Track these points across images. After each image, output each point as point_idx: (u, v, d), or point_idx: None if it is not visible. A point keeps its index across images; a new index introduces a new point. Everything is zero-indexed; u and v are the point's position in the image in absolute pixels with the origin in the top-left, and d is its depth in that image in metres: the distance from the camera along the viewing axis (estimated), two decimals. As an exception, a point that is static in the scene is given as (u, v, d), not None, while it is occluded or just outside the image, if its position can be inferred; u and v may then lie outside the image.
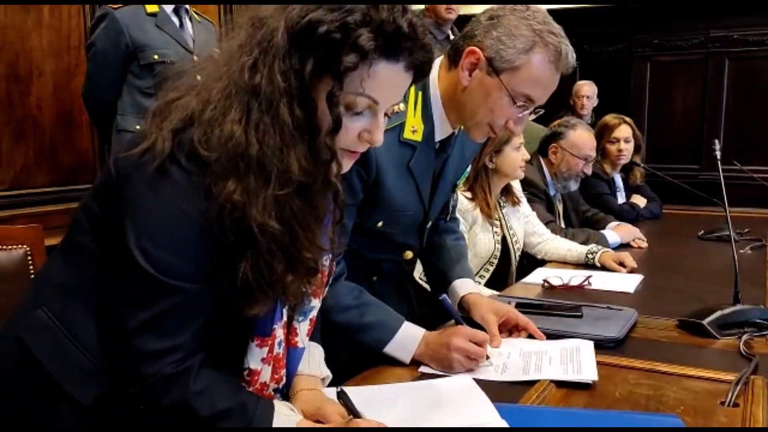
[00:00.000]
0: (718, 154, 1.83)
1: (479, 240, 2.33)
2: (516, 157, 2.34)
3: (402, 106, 1.39)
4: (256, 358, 1.01)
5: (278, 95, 0.87)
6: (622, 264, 2.25)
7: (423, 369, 1.32)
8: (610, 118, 3.43)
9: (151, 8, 2.63)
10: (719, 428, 1.06)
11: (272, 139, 0.87)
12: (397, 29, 0.89)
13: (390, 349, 1.35)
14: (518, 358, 1.36)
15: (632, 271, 2.22)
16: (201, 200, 0.86)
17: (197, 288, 0.90)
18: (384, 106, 0.94)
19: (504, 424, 1.04)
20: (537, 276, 2.14)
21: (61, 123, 3.15)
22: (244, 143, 0.86)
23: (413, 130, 1.41)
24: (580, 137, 2.85)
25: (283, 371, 1.08)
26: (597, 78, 5.42)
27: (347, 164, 0.98)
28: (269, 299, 0.93)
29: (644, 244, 2.71)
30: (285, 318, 1.05)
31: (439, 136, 1.47)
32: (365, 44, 0.86)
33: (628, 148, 3.36)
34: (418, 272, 2.17)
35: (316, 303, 1.11)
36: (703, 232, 2.85)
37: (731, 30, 5.70)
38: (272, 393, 1.06)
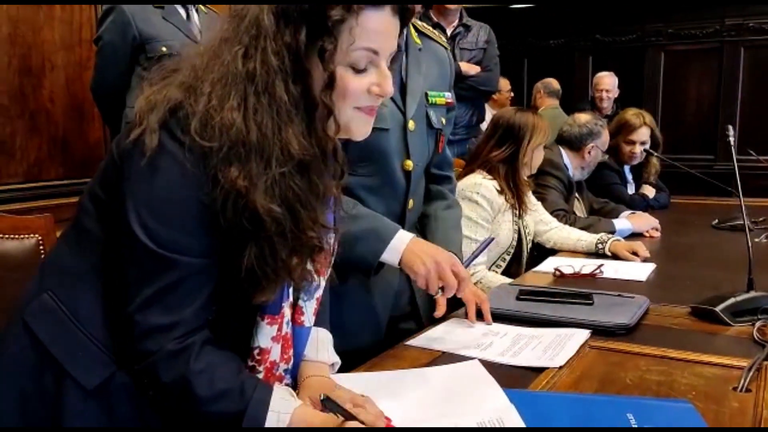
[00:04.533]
0: (731, 140, 1.80)
1: (502, 229, 2.33)
2: (542, 155, 2.43)
3: None
4: (266, 337, 1.01)
5: (273, 74, 0.89)
6: (635, 254, 2.23)
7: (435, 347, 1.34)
8: (631, 116, 3.30)
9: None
10: (726, 428, 1.05)
11: (270, 120, 0.89)
12: None
13: (384, 257, 1.40)
14: (508, 341, 1.38)
15: (645, 260, 2.20)
16: (202, 184, 0.87)
17: (199, 262, 0.91)
18: (384, 54, 0.96)
19: (513, 409, 1.03)
20: (548, 265, 2.13)
21: (73, 116, 3.17)
22: (244, 130, 0.88)
23: None
24: (607, 136, 2.99)
25: (291, 351, 1.08)
26: (610, 68, 5.38)
27: (365, 125, 1.01)
28: (276, 285, 0.94)
29: (657, 234, 2.69)
30: (291, 297, 1.05)
31: None
32: None
33: (641, 152, 3.31)
34: None
35: (321, 281, 1.10)
36: (717, 221, 2.82)
37: (747, 18, 5.64)
38: (282, 374, 1.06)
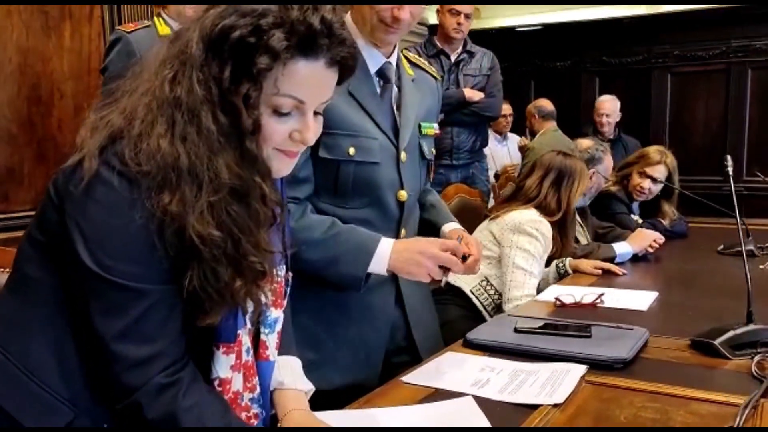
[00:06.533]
0: (730, 170, 1.80)
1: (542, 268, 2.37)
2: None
3: None
4: (224, 367, 1.00)
5: (199, 104, 0.89)
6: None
7: (424, 382, 1.32)
8: (654, 151, 3.24)
9: (164, 31, 2.67)
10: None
11: (199, 148, 0.88)
12: (309, 27, 0.90)
13: (371, 269, 1.44)
14: (506, 377, 1.36)
15: (647, 287, 2.19)
16: (140, 212, 0.86)
17: (164, 288, 0.90)
18: (311, 104, 0.96)
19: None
20: (549, 293, 2.12)
21: (81, 144, 3.21)
22: (173, 155, 0.87)
23: None
24: (610, 161, 3.00)
25: (256, 379, 1.06)
26: (616, 90, 5.37)
27: (285, 165, 1.00)
28: (220, 307, 0.93)
29: (661, 241, 2.70)
30: (249, 325, 1.04)
31: (373, 65, 1.55)
32: (276, 45, 0.88)
33: (651, 189, 3.20)
34: (469, 286, 2.25)
35: (278, 314, 1.10)
36: (722, 246, 2.79)
37: (753, 39, 5.64)
38: (248, 403, 1.05)
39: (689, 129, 5.97)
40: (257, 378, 1.07)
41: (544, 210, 2.35)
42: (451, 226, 1.69)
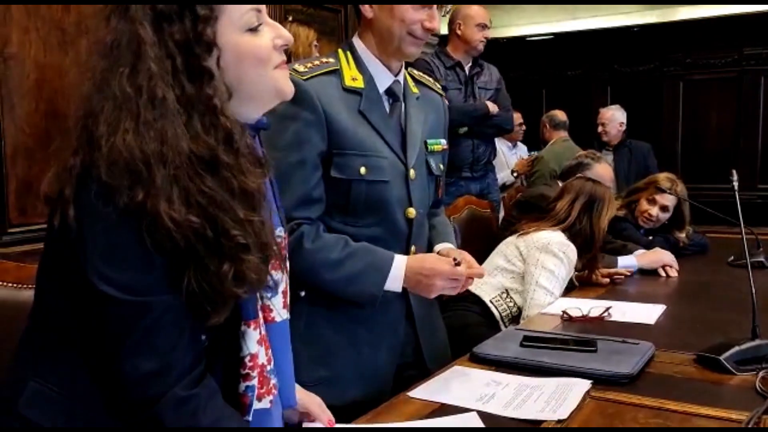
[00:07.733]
0: (735, 185, 1.81)
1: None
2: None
3: (331, 60, 1.56)
4: (253, 342, 1.02)
5: (162, 79, 0.90)
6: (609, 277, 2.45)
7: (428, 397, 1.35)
8: (662, 178, 3.12)
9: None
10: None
11: (164, 125, 0.88)
12: None
13: (387, 286, 1.48)
14: (511, 391, 1.38)
15: (654, 301, 2.19)
16: (126, 218, 0.86)
17: (170, 298, 0.91)
18: (263, 9, 1.01)
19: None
20: (556, 307, 2.13)
21: (97, 157, 3.27)
22: (139, 145, 0.86)
23: (353, 78, 1.56)
24: (603, 169, 2.95)
25: (270, 351, 1.07)
26: (628, 98, 5.37)
27: (286, 77, 1.04)
28: (220, 305, 0.93)
29: (673, 273, 2.64)
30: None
31: (382, 84, 1.58)
32: None
33: (659, 217, 3.09)
34: (489, 296, 2.28)
35: (278, 275, 1.09)
36: (732, 258, 2.78)
37: (766, 47, 5.61)
38: (268, 375, 1.05)
39: (702, 137, 5.95)
40: (270, 348, 1.08)
41: (574, 235, 2.38)
42: (444, 246, 1.69)
